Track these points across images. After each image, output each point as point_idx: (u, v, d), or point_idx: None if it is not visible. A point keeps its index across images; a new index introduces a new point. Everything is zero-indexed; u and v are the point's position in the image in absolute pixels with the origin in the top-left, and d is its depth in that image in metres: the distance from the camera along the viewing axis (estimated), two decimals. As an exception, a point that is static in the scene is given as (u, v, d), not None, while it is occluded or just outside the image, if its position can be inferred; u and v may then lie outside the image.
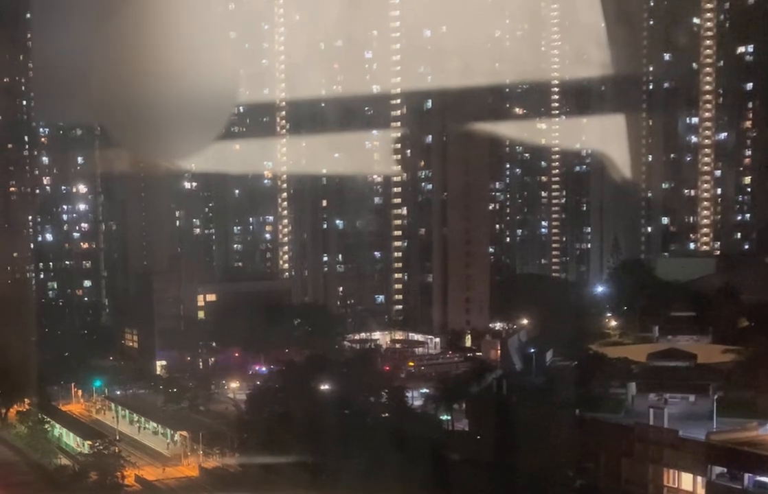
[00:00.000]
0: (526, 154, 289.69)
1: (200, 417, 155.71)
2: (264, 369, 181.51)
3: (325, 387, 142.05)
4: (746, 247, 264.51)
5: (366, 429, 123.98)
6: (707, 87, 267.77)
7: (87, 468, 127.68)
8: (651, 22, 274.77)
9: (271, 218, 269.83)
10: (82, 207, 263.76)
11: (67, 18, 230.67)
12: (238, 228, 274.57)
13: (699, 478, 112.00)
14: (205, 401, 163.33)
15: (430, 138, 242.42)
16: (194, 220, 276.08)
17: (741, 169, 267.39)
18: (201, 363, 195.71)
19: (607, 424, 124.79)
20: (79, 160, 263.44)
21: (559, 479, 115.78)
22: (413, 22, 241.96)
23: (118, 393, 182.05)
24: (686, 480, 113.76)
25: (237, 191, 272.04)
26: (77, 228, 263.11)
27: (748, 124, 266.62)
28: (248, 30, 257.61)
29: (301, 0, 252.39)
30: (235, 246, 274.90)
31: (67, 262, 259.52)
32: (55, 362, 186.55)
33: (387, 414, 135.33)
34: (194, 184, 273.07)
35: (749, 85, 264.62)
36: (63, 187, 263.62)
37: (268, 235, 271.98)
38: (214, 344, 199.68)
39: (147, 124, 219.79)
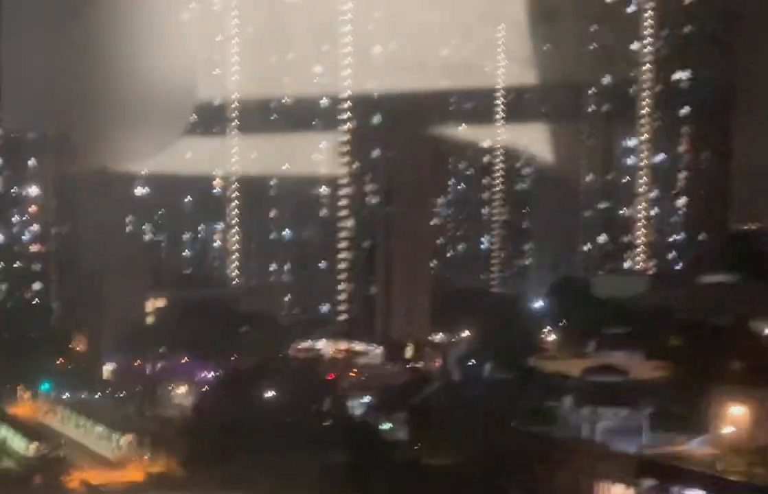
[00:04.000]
0: (469, 171, 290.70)
1: (147, 421, 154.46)
2: (210, 375, 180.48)
3: (269, 394, 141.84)
4: (679, 266, 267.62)
5: (308, 437, 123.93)
6: (644, 111, 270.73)
7: (31, 471, 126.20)
8: (592, 46, 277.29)
9: (220, 226, 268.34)
10: (32, 209, 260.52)
11: (18, 21, 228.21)
12: (188, 234, 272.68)
13: (630, 491, 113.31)
14: (152, 406, 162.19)
15: (377, 152, 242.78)
16: (145, 225, 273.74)
17: (675, 191, 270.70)
18: (149, 368, 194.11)
19: (543, 437, 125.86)
20: (31, 162, 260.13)
21: (495, 490, 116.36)
22: (363, 38, 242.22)
23: (65, 396, 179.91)
24: (618, 492, 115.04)
25: (188, 198, 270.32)
26: (28, 230, 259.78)
27: (683, 147, 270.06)
28: (203, 40, 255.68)
29: (257, 13, 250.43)
30: (185, 252, 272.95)
31: (16, 264, 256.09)
32: (2, 364, 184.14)
33: (329, 423, 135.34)
34: (146, 189, 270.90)
35: (684, 110, 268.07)
36: (13, 189, 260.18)
37: (217, 243, 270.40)
38: (162, 349, 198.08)
39: (100, 127, 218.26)
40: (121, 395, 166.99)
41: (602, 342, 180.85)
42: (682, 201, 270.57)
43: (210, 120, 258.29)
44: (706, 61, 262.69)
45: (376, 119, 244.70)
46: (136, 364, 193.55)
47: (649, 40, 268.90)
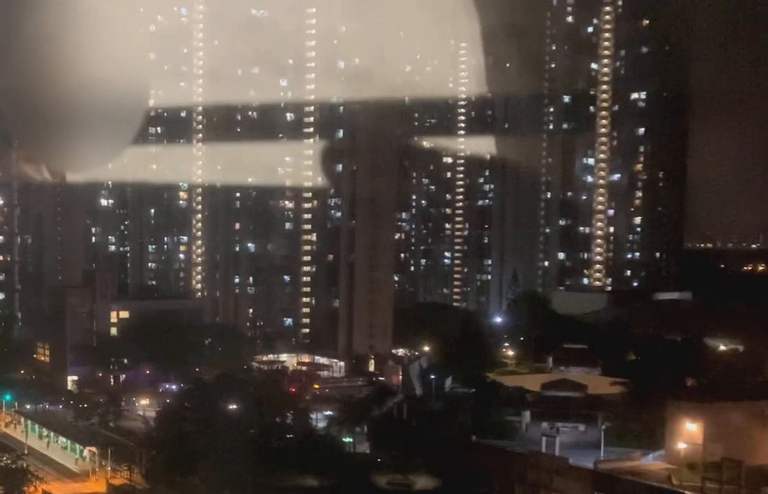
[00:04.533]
0: (432, 187, 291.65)
1: (110, 433, 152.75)
2: (174, 387, 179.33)
3: (232, 406, 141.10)
4: (635, 284, 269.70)
5: (271, 449, 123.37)
6: (603, 130, 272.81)
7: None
8: (552, 66, 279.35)
9: (185, 238, 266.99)
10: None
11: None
12: (153, 246, 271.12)
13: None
14: (115, 417, 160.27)
15: (339, 167, 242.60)
16: (110, 236, 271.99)
17: (632, 209, 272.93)
18: (112, 380, 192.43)
19: (502, 451, 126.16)
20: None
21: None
22: (327, 52, 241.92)
23: (28, 407, 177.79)
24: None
25: (152, 210, 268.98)
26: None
27: (639, 166, 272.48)
28: (167, 51, 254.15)
29: (221, 23, 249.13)
30: (150, 264, 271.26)
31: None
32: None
33: (291, 435, 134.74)
34: (111, 201, 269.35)
35: (641, 130, 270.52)
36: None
37: (182, 255, 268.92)
38: (125, 361, 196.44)
39: (61, 133, 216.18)
40: (84, 406, 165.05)
41: (560, 358, 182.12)
42: (637, 219, 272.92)
43: (175, 131, 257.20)
44: (662, 81, 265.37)
45: (340, 133, 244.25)
46: (99, 376, 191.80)
47: (606, 60, 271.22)
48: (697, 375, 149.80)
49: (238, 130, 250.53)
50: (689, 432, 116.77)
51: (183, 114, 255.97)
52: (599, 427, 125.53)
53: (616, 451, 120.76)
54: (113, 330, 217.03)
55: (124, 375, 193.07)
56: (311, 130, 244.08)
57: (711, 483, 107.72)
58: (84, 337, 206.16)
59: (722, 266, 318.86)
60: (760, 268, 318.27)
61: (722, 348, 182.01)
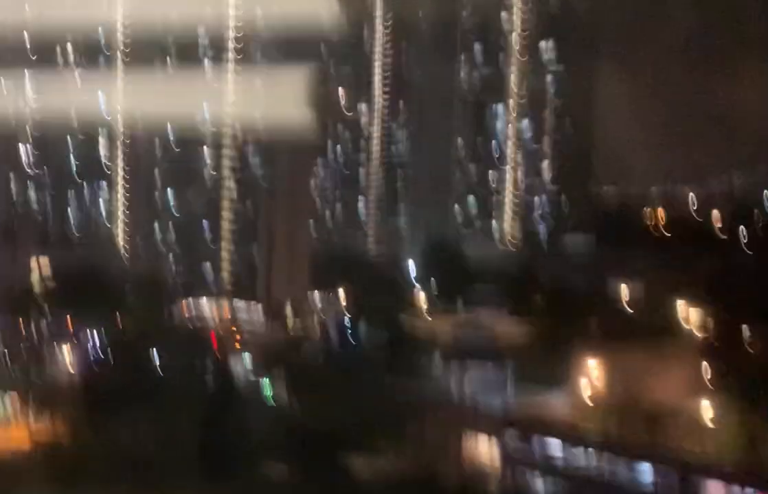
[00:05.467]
0: (347, 134, 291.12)
1: (31, 384, 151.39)
2: (96, 336, 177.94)
3: (154, 352, 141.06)
4: (543, 227, 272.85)
5: (191, 396, 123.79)
6: (512, 78, 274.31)
7: None
8: (463, 13, 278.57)
9: (106, 186, 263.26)
10: None
11: None
12: (73, 194, 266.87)
13: (495, 442, 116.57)
14: (37, 368, 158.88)
15: (257, 115, 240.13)
16: (30, 187, 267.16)
17: (540, 155, 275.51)
18: (34, 329, 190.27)
19: (415, 391, 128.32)
20: None
21: (369, 446, 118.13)
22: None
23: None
24: (483, 443, 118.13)
25: (73, 159, 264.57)
26: None
27: (547, 113, 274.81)
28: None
29: None
30: (70, 213, 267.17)
31: None
32: None
33: (214, 382, 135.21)
34: (29, 147, 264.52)
35: (549, 78, 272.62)
36: None
37: (103, 204, 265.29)
38: (46, 310, 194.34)
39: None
40: (5, 353, 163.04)
41: (469, 300, 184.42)
42: (545, 164, 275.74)
43: (94, 68, 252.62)
44: (570, 31, 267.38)
45: (259, 82, 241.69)
46: (20, 325, 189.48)
47: (517, 8, 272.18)
48: (599, 316, 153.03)
49: (159, 63, 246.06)
50: (592, 372, 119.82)
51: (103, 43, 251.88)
52: (507, 368, 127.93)
53: (524, 391, 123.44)
54: (35, 279, 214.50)
55: (45, 325, 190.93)
56: (230, 80, 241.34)
57: (612, 420, 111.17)
58: (5, 286, 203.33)
59: (627, 211, 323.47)
60: (659, 212, 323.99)
61: (624, 289, 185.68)
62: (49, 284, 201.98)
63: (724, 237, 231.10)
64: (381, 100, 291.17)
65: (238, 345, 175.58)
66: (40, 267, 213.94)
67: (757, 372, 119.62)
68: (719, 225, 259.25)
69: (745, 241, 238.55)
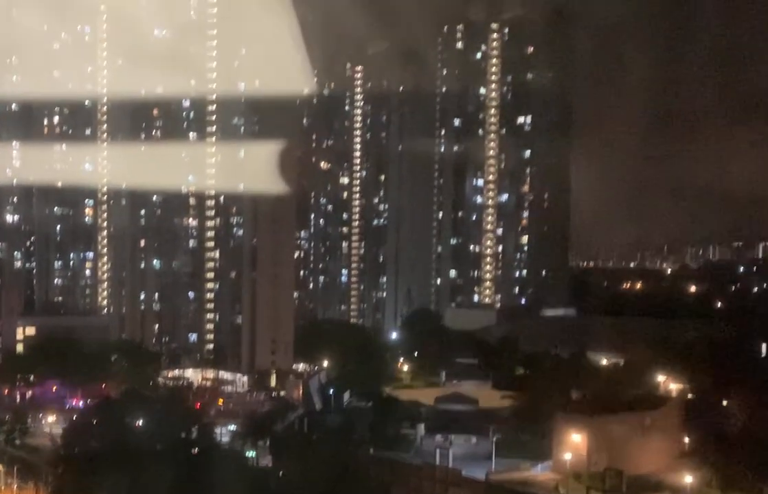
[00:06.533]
0: (329, 206, 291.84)
1: (16, 450, 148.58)
2: (81, 403, 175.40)
3: (138, 422, 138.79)
4: (523, 300, 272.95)
5: (176, 464, 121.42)
6: (491, 152, 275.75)
7: None
8: (443, 89, 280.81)
9: (91, 254, 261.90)
10: None
11: None
12: (59, 263, 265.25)
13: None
14: (21, 435, 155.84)
15: (241, 186, 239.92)
16: (15, 252, 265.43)
17: (520, 229, 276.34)
18: (18, 397, 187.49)
19: (398, 463, 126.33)
20: None
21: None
22: (227, 77, 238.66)
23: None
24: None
25: (58, 226, 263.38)
26: None
27: (526, 188, 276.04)
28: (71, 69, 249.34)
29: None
30: (56, 280, 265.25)
31: None
32: None
33: (196, 450, 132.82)
34: (16, 216, 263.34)
35: (527, 152, 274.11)
36: None
37: (88, 271, 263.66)
38: (31, 377, 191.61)
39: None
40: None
41: (452, 372, 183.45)
42: (524, 238, 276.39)
43: (81, 149, 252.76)
44: (546, 106, 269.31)
45: (242, 153, 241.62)
46: (5, 392, 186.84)
47: (494, 85, 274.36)
48: (581, 388, 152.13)
49: (143, 136, 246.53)
50: (574, 443, 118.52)
51: (88, 131, 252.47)
52: (490, 439, 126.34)
53: (507, 462, 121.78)
54: (19, 347, 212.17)
55: (30, 392, 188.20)
56: (214, 149, 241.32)
57: (595, 491, 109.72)
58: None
59: (604, 284, 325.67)
60: (638, 286, 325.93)
61: (604, 362, 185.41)
62: (34, 351, 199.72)
63: (702, 308, 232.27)
64: (362, 172, 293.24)
65: (221, 412, 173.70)
66: (24, 334, 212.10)
67: (736, 441, 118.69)
68: (697, 296, 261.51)
69: (721, 312, 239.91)
